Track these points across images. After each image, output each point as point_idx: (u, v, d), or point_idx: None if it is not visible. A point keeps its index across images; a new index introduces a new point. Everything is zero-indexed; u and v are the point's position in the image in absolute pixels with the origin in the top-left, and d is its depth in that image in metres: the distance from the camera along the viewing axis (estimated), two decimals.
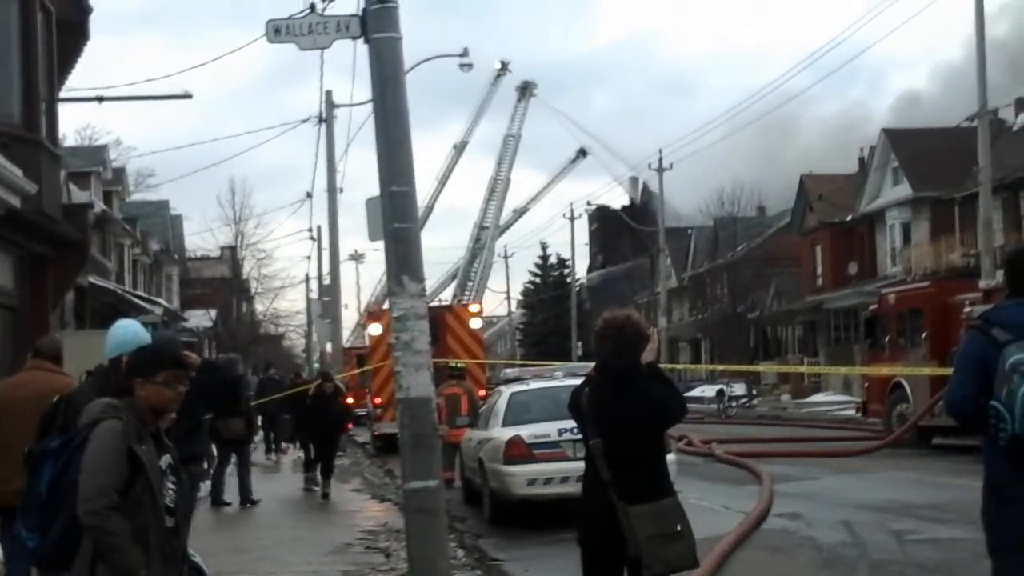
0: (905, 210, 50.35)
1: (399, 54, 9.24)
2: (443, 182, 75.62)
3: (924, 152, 46.31)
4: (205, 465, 17.27)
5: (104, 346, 6.46)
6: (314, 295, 55.47)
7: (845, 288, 52.00)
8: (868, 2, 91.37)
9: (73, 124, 63.07)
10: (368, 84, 9.32)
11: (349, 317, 67.55)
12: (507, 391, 16.31)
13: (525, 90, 74.97)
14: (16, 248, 16.39)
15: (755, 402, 49.65)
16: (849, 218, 54.13)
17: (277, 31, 9.48)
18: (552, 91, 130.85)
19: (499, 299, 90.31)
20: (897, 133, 52.18)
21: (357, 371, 32.74)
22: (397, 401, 9.10)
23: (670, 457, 8.43)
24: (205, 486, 17.34)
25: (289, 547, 13.14)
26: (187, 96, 25.03)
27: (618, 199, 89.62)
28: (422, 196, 56.28)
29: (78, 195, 28.26)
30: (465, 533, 13.90)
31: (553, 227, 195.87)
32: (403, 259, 9.01)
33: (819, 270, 57.28)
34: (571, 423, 7.18)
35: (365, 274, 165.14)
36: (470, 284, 73.50)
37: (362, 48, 9.32)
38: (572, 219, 74.36)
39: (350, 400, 24.32)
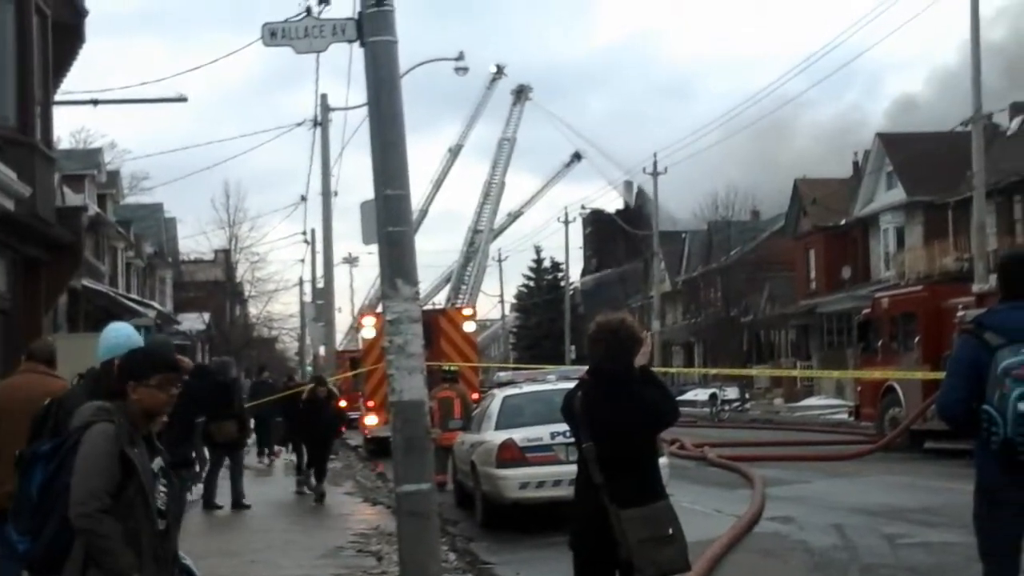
0: (899, 214, 50.44)
1: (395, 57, 9.24)
2: (438, 185, 75.85)
3: (918, 156, 46.41)
4: (197, 468, 17.30)
5: (96, 349, 6.45)
6: (308, 298, 55.39)
7: (838, 292, 52.07)
8: (865, 5, 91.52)
9: (68, 127, 63.18)
10: (363, 87, 9.33)
11: (343, 320, 67.47)
12: (500, 394, 16.30)
13: (520, 94, 75.09)
14: (9, 251, 16.38)
15: (748, 406, 49.65)
16: (843, 222, 54.20)
17: (273, 34, 9.47)
18: (547, 95, 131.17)
19: (493, 302, 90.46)
20: (891, 137, 52.28)
21: (351, 373, 32.70)
22: (390, 404, 9.09)
23: (662, 461, 8.45)
24: (197, 489, 17.34)
25: (281, 550, 13.13)
26: (182, 99, 25.03)
27: (612, 203, 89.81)
28: (417, 199, 56.14)
29: (72, 198, 28.13)
30: (457, 536, 13.89)
31: (547, 231, 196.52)
32: (397, 262, 9.00)
33: (812, 274, 57.34)
34: (564, 427, 7.20)
35: (359, 277, 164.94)
36: (464, 287, 73.57)
37: (358, 51, 9.31)
38: (566, 223, 74.42)
39: (343, 403, 24.30)
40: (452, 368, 21.88)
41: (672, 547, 5.97)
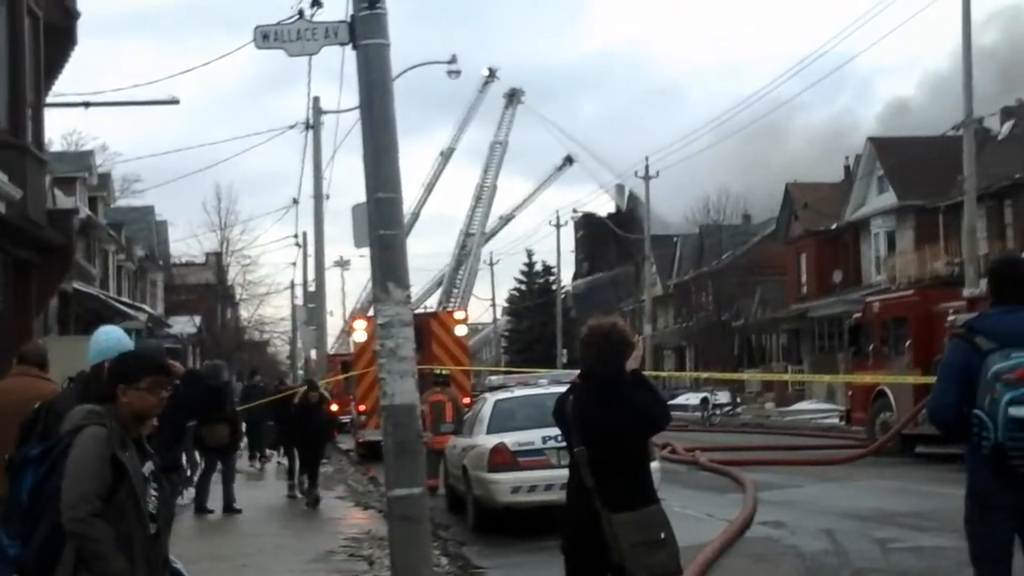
0: (890, 218, 50.55)
1: (387, 60, 9.24)
2: (429, 189, 75.80)
3: (909, 161, 46.50)
4: (188, 472, 17.26)
5: (87, 352, 6.44)
6: (299, 301, 55.30)
7: (829, 296, 52.16)
8: (858, 9, 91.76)
9: (59, 129, 63.08)
10: (355, 90, 9.33)
11: (334, 324, 67.46)
12: (492, 398, 16.30)
13: (512, 97, 75.15)
14: (0, 253, 16.34)
15: (739, 410, 49.72)
16: (834, 226, 54.31)
17: (265, 37, 9.46)
18: (539, 98, 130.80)
19: (484, 306, 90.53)
20: (883, 142, 52.42)
21: (342, 376, 32.66)
22: (382, 408, 9.09)
23: (654, 465, 8.46)
24: (188, 493, 17.29)
25: (272, 554, 13.11)
26: (174, 102, 24.99)
27: (604, 206, 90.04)
28: (408, 203, 55.96)
29: (63, 200, 28.15)
30: (449, 541, 13.87)
31: (539, 234, 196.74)
32: (388, 266, 9.00)
33: (804, 278, 57.43)
34: (555, 430, 7.19)
35: (350, 281, 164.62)
36: (455, 291, 73.56)
37: (350, 54, 9.32)
38: (558, 226, 74.52)
39: (335, 407, 24.27)
40: (444, 372, 21.85)
41: (664, 551, 5.96)
